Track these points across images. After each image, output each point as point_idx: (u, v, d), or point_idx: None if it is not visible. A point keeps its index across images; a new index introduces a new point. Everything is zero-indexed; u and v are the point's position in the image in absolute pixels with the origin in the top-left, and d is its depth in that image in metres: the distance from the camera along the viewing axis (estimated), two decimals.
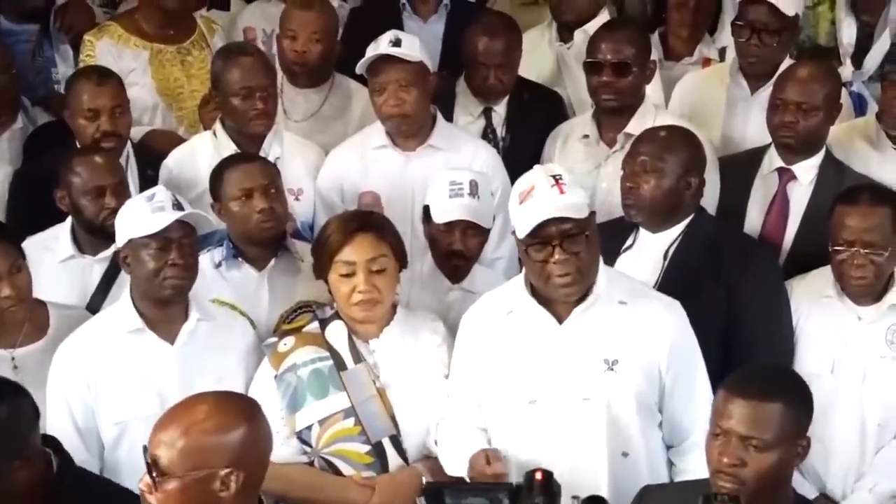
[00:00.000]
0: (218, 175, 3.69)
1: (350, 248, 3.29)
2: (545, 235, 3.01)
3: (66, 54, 4.81)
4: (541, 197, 3.02)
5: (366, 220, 3.40)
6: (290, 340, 3.37)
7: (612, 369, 3.09)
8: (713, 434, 2.67)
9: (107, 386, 3.31)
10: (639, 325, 3.12)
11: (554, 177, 3.04)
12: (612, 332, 3.11)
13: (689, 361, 3.16)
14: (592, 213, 3.10)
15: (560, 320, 3.11)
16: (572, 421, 3.10)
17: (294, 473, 3.27)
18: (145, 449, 2.47)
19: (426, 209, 3.68)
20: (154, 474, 2.42)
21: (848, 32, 4.71)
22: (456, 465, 3.17)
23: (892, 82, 4.01)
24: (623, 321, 3.12)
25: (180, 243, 3.28)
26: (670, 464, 3.21)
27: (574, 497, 2.95)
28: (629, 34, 4.13)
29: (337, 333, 3.34)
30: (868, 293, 3.50)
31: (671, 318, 3.16)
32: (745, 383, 2.69)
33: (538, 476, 2.73)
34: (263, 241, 3.66)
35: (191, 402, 2.53)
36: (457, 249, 3.62)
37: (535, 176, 3.08)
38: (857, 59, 4.69)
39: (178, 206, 3.30)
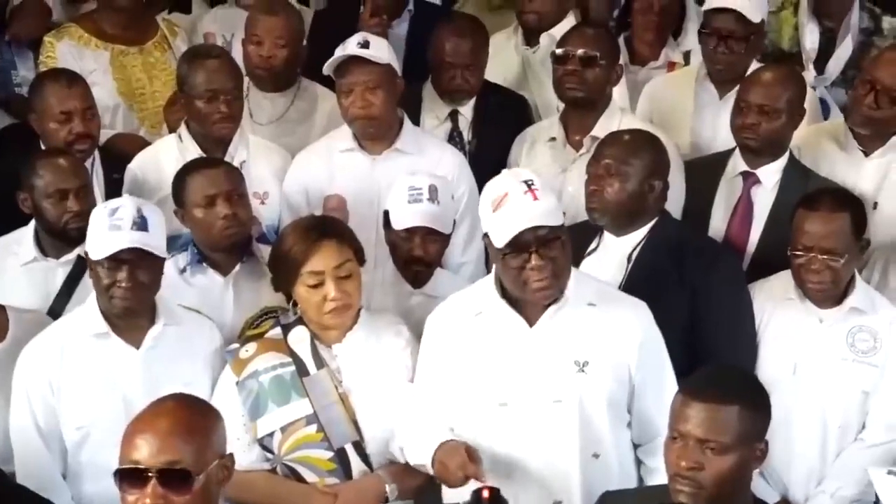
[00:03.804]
0: (180, 180, 3.66)
1: (315, 258, 3.26)
2: (522, 243, 3.00)
3: (27, 56, 4.77)
4: (515, 205, 3.00)
5: (325, 227, 3.36)
6: (251, 346, 3.35)
7: (583, 371, 3.10)
8: (671, 437, 2.68)
9: (70, 389, 3.29)
10: (608, 327, 3.13)
11: (526, 182, 3.02)
12: (582, 334, 3.12)
13: (658, 360, 3.18)
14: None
15: (530, 323, 3.11)
16: (544, 423, 3.10)
17: (256, 480, 3.26)
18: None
19: (386, 214, 3.67)
20: (188, 478, 2.45)
21: (811, 38, 4.70)
22: (420, 453, 3.14)
23: (862, 80, 3.96)
24: (593, 323, 3.13)
25: (133, 264, 3.22)
26: (639, 462, 3.22)
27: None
28: (599, 33, 4.14)
29: (300, 339, 3.32)
30: (827, 297, 3.52)
31: (639, 318, 3.18)
32: (701, 386, 2.70)
33: (485, 494, 2.70)
34: (228, 247, 3.63)
35: (170, 405, 2.57)
36: (417, 255, 3.60)
37: (507, 182, 3.05)
38: (820, 64, 4.70)
39: (138, 224, 3.23)
